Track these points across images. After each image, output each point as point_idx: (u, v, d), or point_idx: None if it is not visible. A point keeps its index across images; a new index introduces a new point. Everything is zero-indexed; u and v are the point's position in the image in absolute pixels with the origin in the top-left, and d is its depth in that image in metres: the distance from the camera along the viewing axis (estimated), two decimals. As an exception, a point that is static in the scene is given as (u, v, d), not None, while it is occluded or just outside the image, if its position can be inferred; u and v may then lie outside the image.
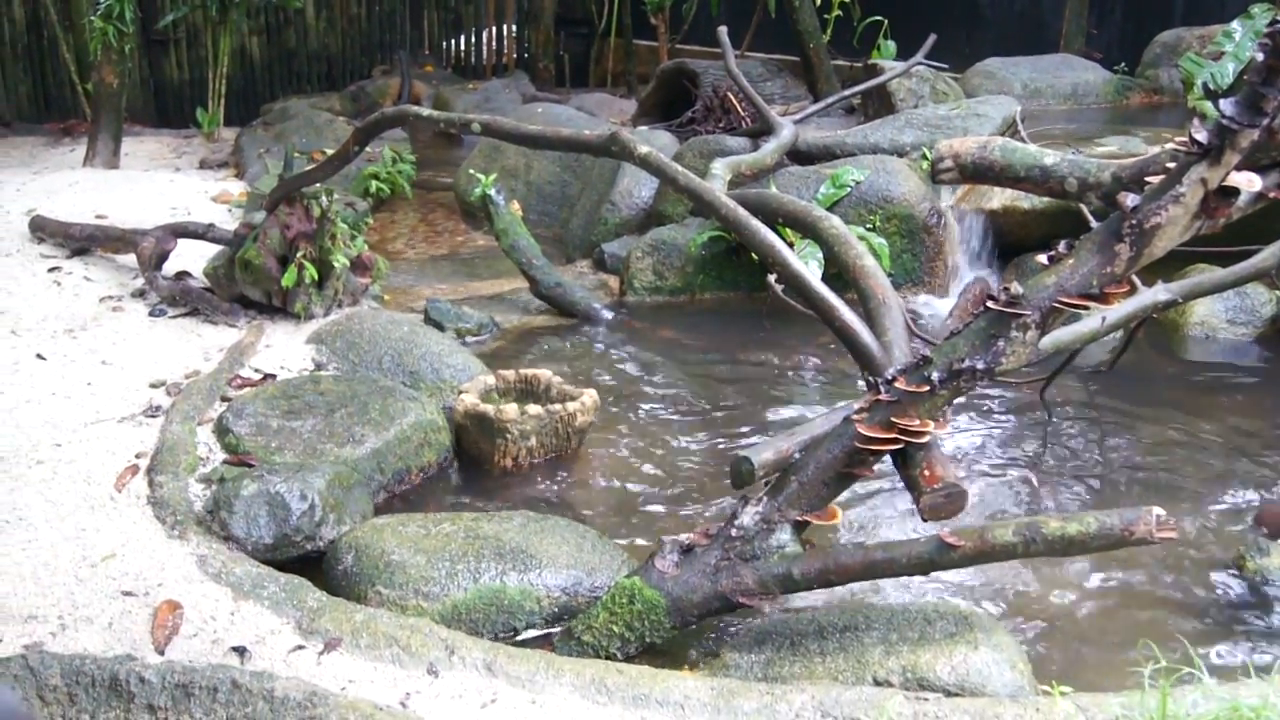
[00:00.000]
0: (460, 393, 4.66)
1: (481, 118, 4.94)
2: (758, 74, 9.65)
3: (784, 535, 3.21)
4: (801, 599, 3.48)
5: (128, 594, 3.32)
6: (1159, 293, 4.05)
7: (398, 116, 5.32)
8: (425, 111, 5.12)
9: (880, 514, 4.16)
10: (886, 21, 10.00)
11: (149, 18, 11.25)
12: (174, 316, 5.61)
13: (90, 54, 9.01)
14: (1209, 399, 5.12)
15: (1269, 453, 4.60)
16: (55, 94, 11.41)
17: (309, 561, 3.67)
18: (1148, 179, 3.16)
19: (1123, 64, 9.17)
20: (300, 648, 3.10)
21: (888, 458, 3.23)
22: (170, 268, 5.95)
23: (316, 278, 5.46)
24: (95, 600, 3.29)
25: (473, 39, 13.76)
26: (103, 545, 3.57)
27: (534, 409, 4.46)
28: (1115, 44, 9.87)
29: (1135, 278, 3.63)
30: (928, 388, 3.06)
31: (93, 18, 8.67)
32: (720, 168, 6.13)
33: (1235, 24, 7.10)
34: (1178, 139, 2.95)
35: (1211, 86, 6.93)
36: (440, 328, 5.72)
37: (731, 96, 8.32)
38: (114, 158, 8.97)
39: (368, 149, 5.65)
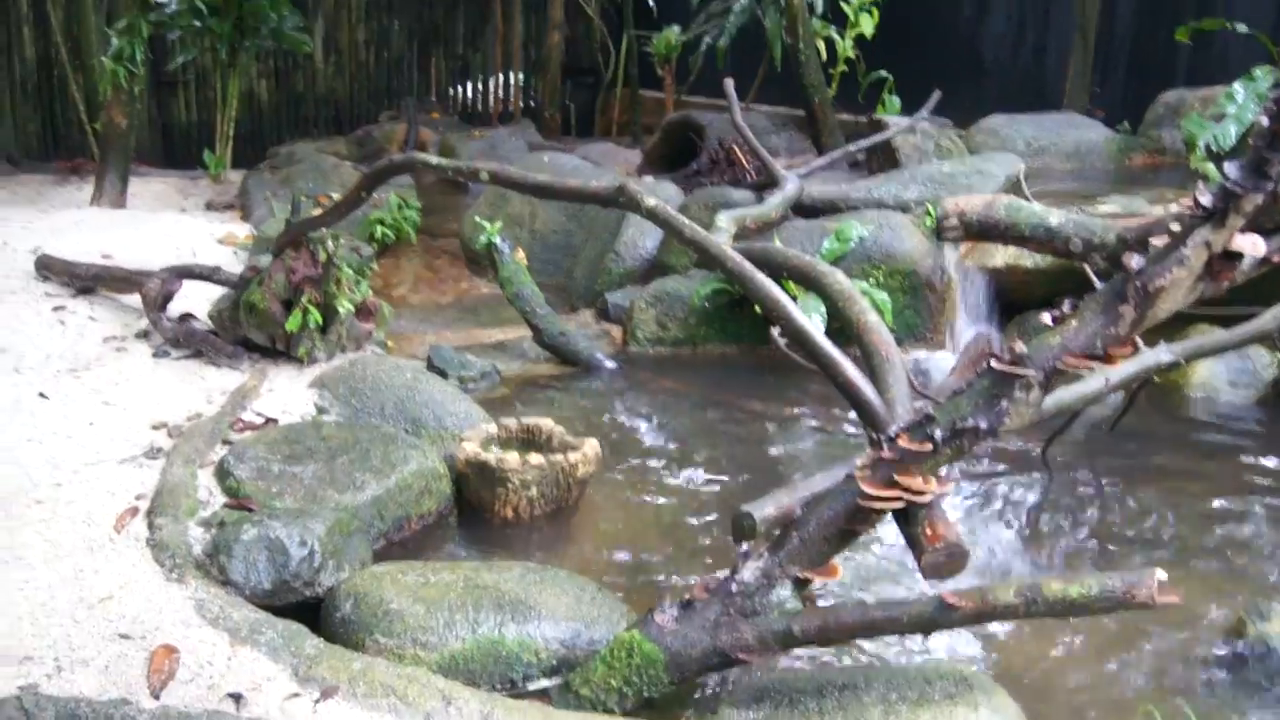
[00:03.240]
0: (462, 441, 4.65)
1: (489, 166, 4.96)
2: (763, 127, 9.71)
3: (784, 591, 3.20)
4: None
5: (124, 637, 3.30)
6: (1161, 354, 4.06)
7: (406, 163, 5.35)
8: (434, 159, 5.15)
9: (881, 570, 4.15)
10: (891, 77, 10.07)
11: (159, 59, 11.31)
12: (177, 358, 5.61)
13: (100, 94, 9.07)
14: (1210, 461, 5.11)
15: (1270, 516, 4.59)
16: (64, 133, 11.48)
17: (307, 608, 3.65)
18: (1152, 240, 3.17)
19: (1125, 123, 9.22)
20: (296, 695, 3.08)
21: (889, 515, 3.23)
22: (175, 309, 5.95)
23: (321, 322, 5.46)
24: (91, 642, 3.27)
25: (480, 86, 13.86)
26: (100, 587, 3.56)
27: (535, 459, 4.46)
28: (1118, 103, 9.92)
29: (1138, 338, 3.63)
30: (930, 446, 3.06)
31: (103, 58, 8.73)
32: (725, 220, 6.16)
33: (1237, 85, 7.16)
34: (1182, 201, 2.97)
35: (1214, 148, 6.98)
36: (443, 375, 5.72)
37: (737, 149, 8.35)
38: (121, 197, 9.00)
39: (374, 194, 5.67)
